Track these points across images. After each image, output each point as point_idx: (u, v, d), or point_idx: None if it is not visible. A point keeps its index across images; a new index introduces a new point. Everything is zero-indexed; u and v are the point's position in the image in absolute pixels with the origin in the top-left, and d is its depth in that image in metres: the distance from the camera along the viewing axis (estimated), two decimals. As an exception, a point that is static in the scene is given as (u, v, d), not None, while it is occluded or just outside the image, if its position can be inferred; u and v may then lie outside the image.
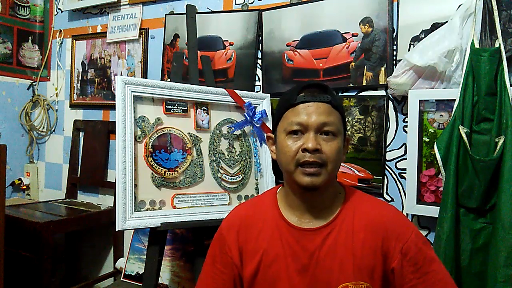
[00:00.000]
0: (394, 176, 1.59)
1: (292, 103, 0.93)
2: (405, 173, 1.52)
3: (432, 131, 1.45)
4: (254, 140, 1.69)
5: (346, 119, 1.65)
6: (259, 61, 1.89)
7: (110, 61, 2.35)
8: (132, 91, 1.42)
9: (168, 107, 1.51)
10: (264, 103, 1.71)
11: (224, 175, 1.59)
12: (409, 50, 1.54)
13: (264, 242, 0.96)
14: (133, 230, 2.06)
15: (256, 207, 1.04)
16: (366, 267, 0.89)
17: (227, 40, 1.95)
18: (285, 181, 1.00)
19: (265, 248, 0.96)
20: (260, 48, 1.88)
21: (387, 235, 0.90)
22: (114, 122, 1.39)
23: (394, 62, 1.58)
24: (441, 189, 1.39)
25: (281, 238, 0.95)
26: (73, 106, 2.50)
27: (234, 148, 1.64)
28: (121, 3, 2.30)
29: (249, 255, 0.97)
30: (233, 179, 1.61)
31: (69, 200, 2.38)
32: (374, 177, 1.60)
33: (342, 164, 1.62)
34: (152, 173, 1.43)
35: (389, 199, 1.60)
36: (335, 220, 0.94)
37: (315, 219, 0.95)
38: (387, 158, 1.60)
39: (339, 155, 0.91)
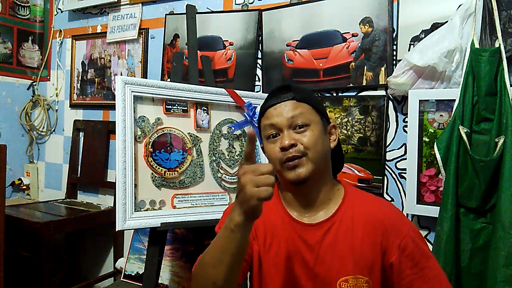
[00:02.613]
0: (394, 176, 1.59)
1: (262, 111, 1.02)
2: (405, 173, 1.52)
3: (432, 131, 1.45)
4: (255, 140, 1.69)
5: (348, 118, 1.65)
6: (259, 61, 1.89)
7: (110, 61, 2.35)
8: (132, 91, 1.42)
9: (168, 107, 1.51)
10: (264, 103, 1.71)
11: (224, 175, 1.59)
12: (409, 50, 1.53)
13: (269, 236, 0.99)
14: (133, 230, 2.06)
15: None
16: (366, 262, 0.91)
17: (227, 40, 1.95)
18: (280, 181, 1.04)
19: (269, 241, 0.98)
20: (260, 48, 1.88)
21: (386, 231, 0.92)
22: (114, 122, 1.39)
23: (394, 62, 1.58)
24: (441, 189, 1.39)
25: (284, 233, 0.98)
26: (73, 106, 2.50)
27: (234, 148, 1.64)
28: (121, 3, 2.30)
29: (255, 247, 0.99)
30: (233, 179, 1.61)
31: (69, 200, 2.38)
32: (374, 177, 1.60)
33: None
34: (152, 173, 1.43)
35: (389, 199, 1.60)
36: (335, 215, 0.96)
37: (315, 214, 0.97)
38: (387, 158, 1.60)
39: (318, 141, 0.94)
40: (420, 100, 1.45)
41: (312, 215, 0.98)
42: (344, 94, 1.70)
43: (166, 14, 2.13)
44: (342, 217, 0.96)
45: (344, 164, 1.63)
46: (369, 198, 1.01)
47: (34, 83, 2.64)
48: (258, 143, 1.69)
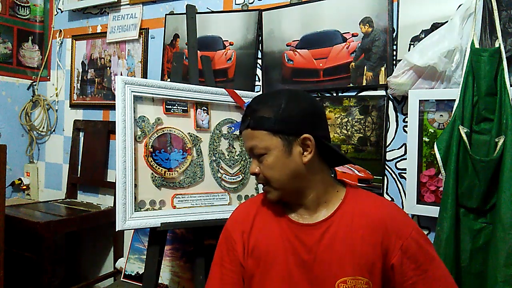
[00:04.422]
0: (394, 176, 1.59)
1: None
2: (405, 173, 1.52)
3: (432, 131, 1.45)
4: (254, 140, 1.69)
5: (348, 118, 1.65)
6: (259, 61, 1.89)
7: (110, 61, 2.35)
8: (132, 91, 1.42)
9: (168, 107, 1.51)
10: (264, 103, 1.71)
11: (224, 175, 1.59)
12: (409, 50, 1.53)
13: (265, 237, 0.99)
14: (133, 230, 2.06)
15: (259, 204, 1.06)
16: (366, 263, 0.90)
17: (227, 40, 1.95)
18: None
19: (266, 243, 0.98)
20: (260, 48, 1.88)
21: (387, 232, 0.91)
22: (114, 122, 1.39)
23: (394, 62, 1.58)
24: (441, 189, 1.39)
25: (282, 234, 0.97)
26: (73, 106, 2.50)
27: (234, 148, 1.64)
28: (121, 3, 2.30)
29: (250, 249, 0.99)
30: (233, 179, 1.61)
31: (69, 200, 2.38)
32: (374, 177, 1.60)
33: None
34: (152, 173, 1.43)
35: (389, 199, 1.60)
36: (333, 216, 0.95)
37: (314, 215, 0.97)
38: (387, 158, 1.60)
39: (274, 169, 0.94)
40: (420, 100, 1.45)
41: (310, 216, 0.97)
42: (344, 94, 1.70)
43: (166, 14, 2.13)
44: (341, 217, 0.95)
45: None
46: (371, 199, 1.00)
47: (34, 83, 2.64)
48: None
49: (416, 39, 1.53)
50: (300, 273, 0.93)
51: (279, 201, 1.01)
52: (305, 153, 0.94)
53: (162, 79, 2.12)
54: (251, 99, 1.02)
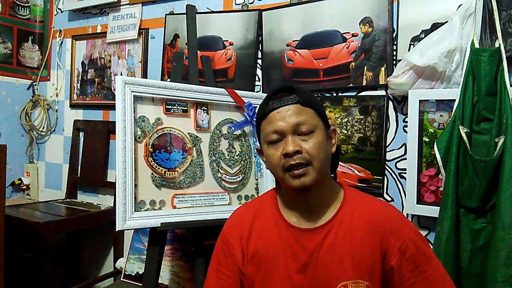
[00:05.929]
0: (394, 176, 1.59)
1: (264, 114, 0.97)
2: (405, 173, 1.52)
3: (432, 131, 1.45)
4: (254, 140, 1.69)
5: (348, 118, 1.65)
6: (259, 61, 1.89)
7: (110, 61, 2.35)
8: (132, 91, 1.42)
9: (168, 107, 1.51)
10: (264, 103, 1.71)
11: (224, 175, 1.59)
12: (409, 50, 1.53)
13: (265, 243, 0.98)
14: (133, 230, 2.06)
15: (256, 208, 1.05)
16: (365, 266, 0.90)
17: (227, 40, 1.95)
18: (281, 185, 1.02)
19: (265, 248, 0.97)
20: (260, 48, 1.88)
21: (385, 234, 0.91)
22: (114, 122, 1.39)
23: (394, 62, 1.58)
24: (441, 189, 1.39)
25: (281, 238, 0.96)
26: (73, 106, 2.50)
27: (234, 148, 1.64)
28: (121, 3, 2.30)
29: (250, 255, 0.98)
30: (233, 179, 1.61)
31: (69, 200, 2.38)
32: (374, 177, 1.60)
33: (341, 164, 1.63)
34: (152, 173, 1.43)
35: (389, 199, 1.60)
36: (334, 219, 0.95)
37: (314, 219, 0.96)
38: (387, 158, 1.60)
39: (321, 149, 0.92)
40: (420, 100, 1.45)
41: (311, 219, 0.96)
42: (344, 94, 1.70)
43: (166, 14, 2.13)
44: (341, 220, 0.94)
45: (344, 164, 1.64)
46: (369, 200, 0.99)
47: (34, 83, 2.64)
48: (251, 141, 1.69)
49: (416, 39, 1.53)
50: (301, 278, 0.93)
51: (280, 206, 1.00)
52: (332, 141, 0.99)
53: (162, 79, 2.12)
54: (279, 86, 1.01)
